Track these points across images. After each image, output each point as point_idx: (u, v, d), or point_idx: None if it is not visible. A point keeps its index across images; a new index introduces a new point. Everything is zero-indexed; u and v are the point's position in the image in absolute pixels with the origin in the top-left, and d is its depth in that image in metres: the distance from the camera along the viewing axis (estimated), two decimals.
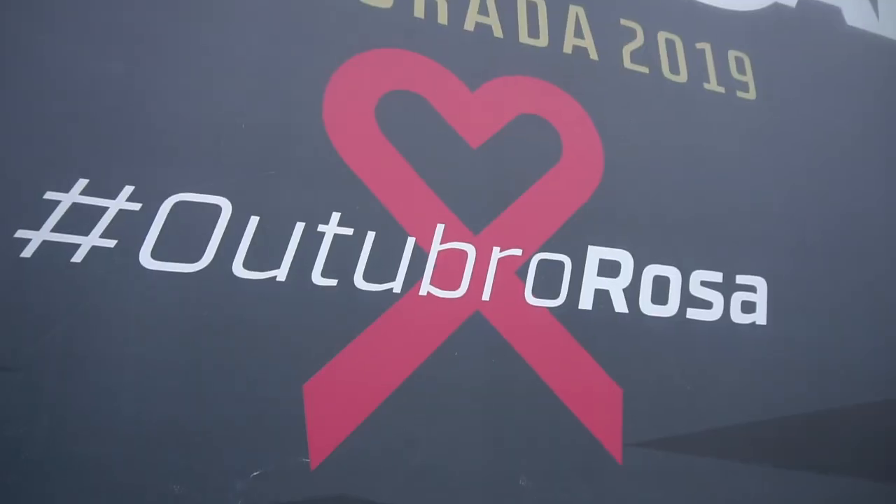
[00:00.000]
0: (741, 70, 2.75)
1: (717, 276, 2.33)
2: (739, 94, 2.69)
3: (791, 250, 2.49)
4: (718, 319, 2.27)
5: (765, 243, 2.46)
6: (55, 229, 1.63)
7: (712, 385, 2.15)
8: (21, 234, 1.60)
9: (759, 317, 2.34)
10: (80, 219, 1.65)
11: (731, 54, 2.76)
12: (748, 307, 2.33)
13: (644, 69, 2.54)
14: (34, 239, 1.60)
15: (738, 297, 2.33)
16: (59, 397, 1.52)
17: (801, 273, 2.46)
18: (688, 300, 2.25)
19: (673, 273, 2.27)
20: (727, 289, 2.33)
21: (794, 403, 2.21)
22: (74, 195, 1.67)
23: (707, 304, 2.28)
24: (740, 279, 2.36)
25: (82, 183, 1.68)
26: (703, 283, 2.30)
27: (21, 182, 1.64)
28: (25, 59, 1.73)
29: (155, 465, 1.54)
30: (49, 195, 1.65)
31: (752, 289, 2.37)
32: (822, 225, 2.55)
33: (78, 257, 1.63)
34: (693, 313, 2.24)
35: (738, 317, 2.30)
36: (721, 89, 2.67)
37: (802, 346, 2.32)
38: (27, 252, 1.59)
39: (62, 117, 1.72)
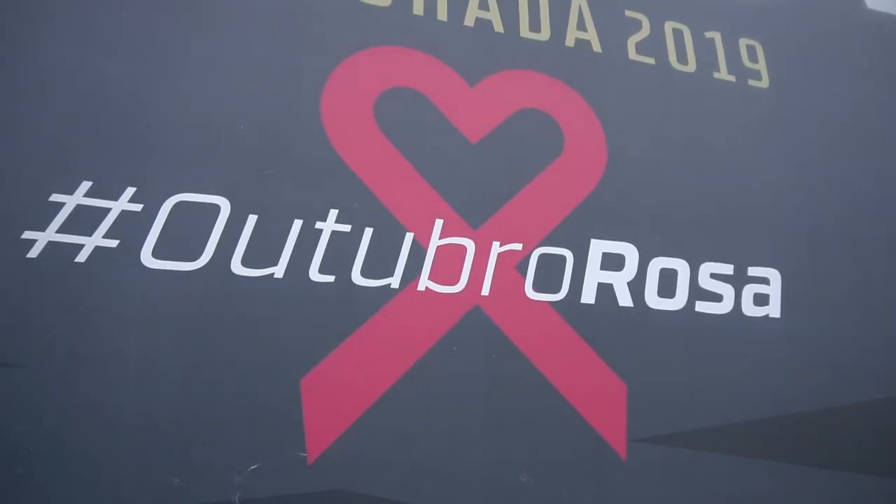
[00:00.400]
0: (753, 58, 2.68)
1: (727, 269, 2.28)
2: (751, 82, 2.63)
3: (807, 241, 2.42)
4: (729, 312, 2.22)
5: (779, 235, 2.40)
6: (60, 230, 1.68)
7: (721, 380, 2.10)
8: (28, 235, 1.66)
9: (773, 309, 2.28)
10: (83, 220, 1.71)
11: (743, 42, 2.70)
12: (761, 300, 2.28)
13: (650, 60, 2.51)
14: (40, 240, 1.66)
15: (750, 290, 2.28)
16: (63, 393, 1.57)
17: (817, 265, 2.38)
18: (697, 293, 2.21)
19: (681, 266, 2.23)
20: (738, 281, 2.28)
21: (806, 399, 2.14)
22: (79, 197, 1.72)
23: (717, 297, 2.23)
24: (752, 271, 2.30)
25: (86, 185, 1.74)
26: (713, 276, 2.26)
27: (27, 185, 1.69)
28: (30, 66, 1.79)
29: (155, 459, 1.58)
30: (54, 197, 1.70)
31: (765, 281, 2.31)
32: (839, 216, 2.48)
33: (82, 257, 1.68)
34: (702, 306, 2.20)
35: (750, 310, 2.25)
36: (732, 78, 2.61)
37: (817, 339, 2.25)
38: (33, 252, 1.65)
39: (66, 122, 1.77)
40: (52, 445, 1.51)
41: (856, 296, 2.35)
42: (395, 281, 1.91)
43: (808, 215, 2.45)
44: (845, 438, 2.13)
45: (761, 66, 2.68)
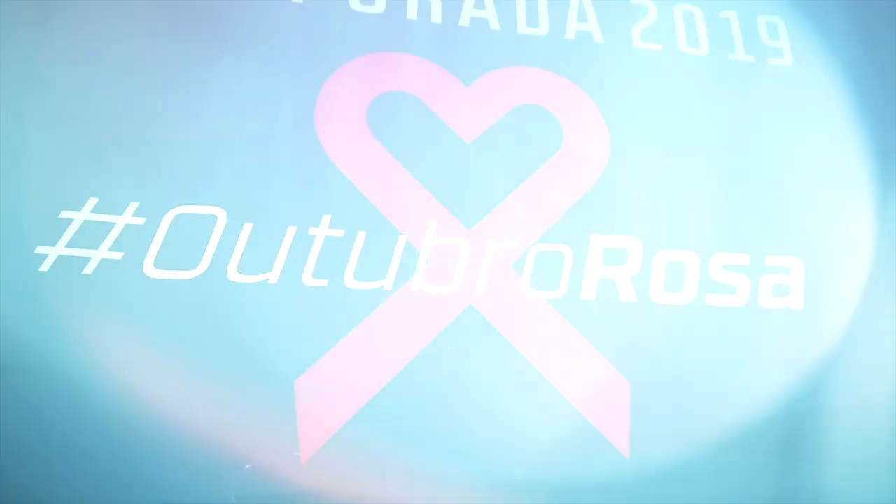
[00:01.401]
0: (774, 36, 2.54)
1: (743, 259, 2.18)
2: (772, 60, 2.50)
3: (833, 227, 2.28)
4: (744, 305, 2.12)
5: (802, 221, 2.27)
6: (69, 244, 1.80)
7: (732, 375, 2.01)
8: (40, 250, 1.78)
9: (794, 301, 2.16)
10: (90, 234, 1.82)
11: (762, 20, 2.56)
12: (781, 290, 2.16)
13: (657, 46, 2.42)
14: (51, 255, 1.78)
15: (768, 280, 2.17)
16: (70, 397, 1.68)
17: (845, 252, 2.24)
18: (708, 286, 2.12)
19: (690, 258, 2.15)
20: (755, 272, 2.17)
21: (827, 395, 2.02)
22: (86, 213, 1.84)
23: (731, 289, 2.14)
24: (771, 260, 2.19)
25: (92, 201, 1.85)
26: (727, 267, 2.16)
27: (39, 203, 1.82)
28: (40, 92, 1.92)
29: (154, 458, 1.67)
30: (64, 214, 1.82)
31: (785, 270, 2.19)
32: (868, 198, 2.31)
33: (89, 269, 1.80)
34: (714, 299, 2.11)
35: (768, 301, 2.14)
36: (749, 58, 2.48)
37: (843, 332, 2.12)
38: (45, 266, 1.77)
39: (72, 143, 1.89)
40: (57, 447, 1.63)
41: (887, 285, 2.20)
42: (387, 283, 1.94)
43: (834, 199, 2.31)
44: (869, 438, 2.00)
45: (783, 43, 2.54)
